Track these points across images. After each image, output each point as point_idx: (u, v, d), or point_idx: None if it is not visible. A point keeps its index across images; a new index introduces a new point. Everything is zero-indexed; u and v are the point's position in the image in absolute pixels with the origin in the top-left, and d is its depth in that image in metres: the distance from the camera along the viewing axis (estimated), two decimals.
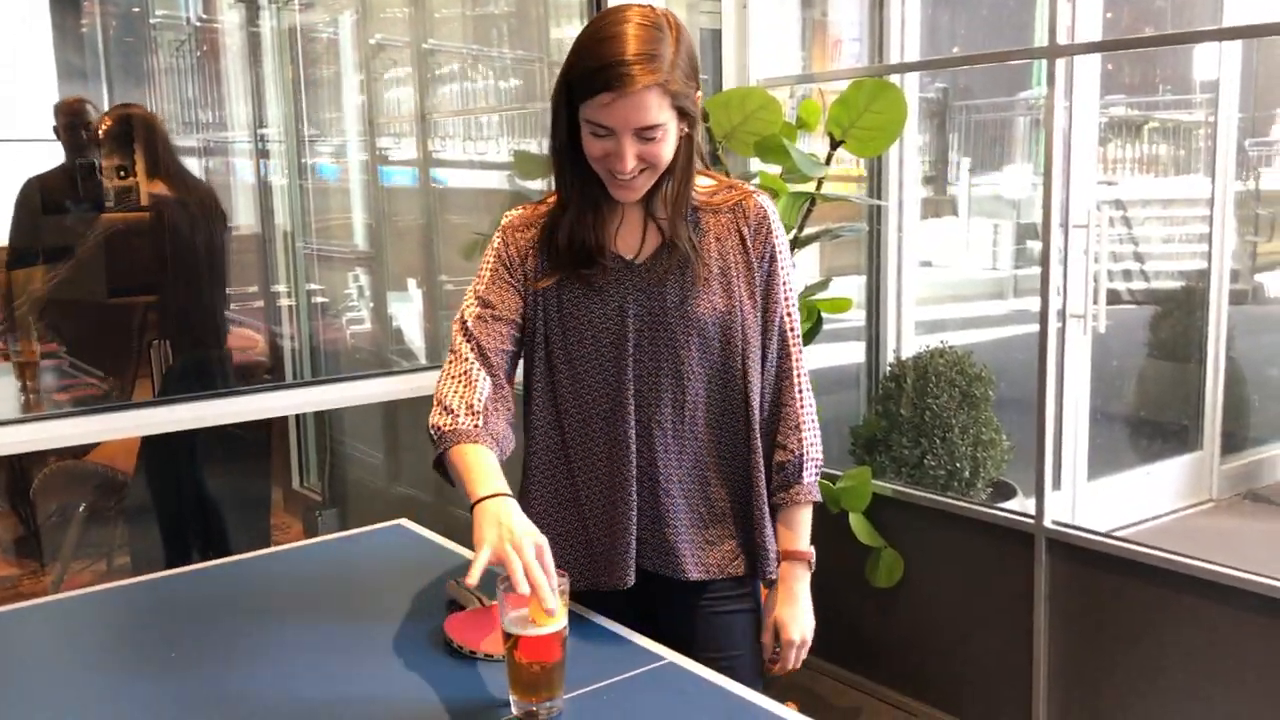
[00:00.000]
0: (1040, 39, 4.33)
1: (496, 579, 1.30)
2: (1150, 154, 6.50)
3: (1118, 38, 3.94)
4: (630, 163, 1.49)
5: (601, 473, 1.63)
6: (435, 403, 1.55)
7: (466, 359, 1.57)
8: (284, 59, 3.88)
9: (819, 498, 1.70)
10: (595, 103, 1.48)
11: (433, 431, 1.53)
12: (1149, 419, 4.94)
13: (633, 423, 1.60)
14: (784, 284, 1.65)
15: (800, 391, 1.67)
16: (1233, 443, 4.67)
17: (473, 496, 1.40)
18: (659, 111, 1.48)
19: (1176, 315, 4.78)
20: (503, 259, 1.64)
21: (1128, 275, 5.27)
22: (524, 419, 1.68)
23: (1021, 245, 6.36)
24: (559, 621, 1.27)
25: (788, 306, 1.66)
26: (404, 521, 2.06)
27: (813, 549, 1.70)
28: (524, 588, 1.25)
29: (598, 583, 1.64)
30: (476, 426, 1.51)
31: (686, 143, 1.57)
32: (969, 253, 6.78)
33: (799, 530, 1.68)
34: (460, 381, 1.56)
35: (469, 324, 1.59)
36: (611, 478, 1.62)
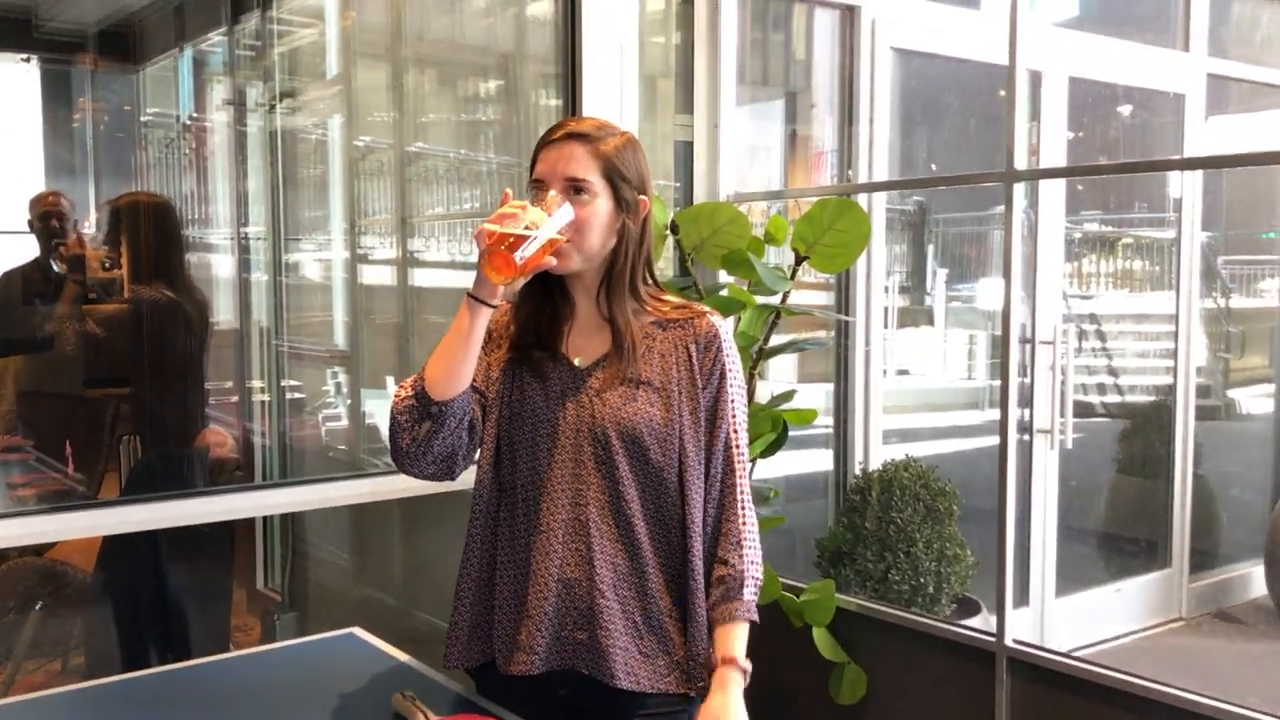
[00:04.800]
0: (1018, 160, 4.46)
1: None
2: (1124, 269, 6.62)
3: (1074, 164, 4.05)
4: None
5: (519, 558, 1.66)
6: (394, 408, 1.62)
7: None
8: (269, 158, 3.94)
9: (755, 617, 1.68)
10: (536, 161, 1.64)
11: (413, 402, 1.60)
12: (1118, 534, 4.94)
13: (563, 520, 1.62)
14: (731, 402, 1.69)
15: (742, 508, 1.69)
16: (1202, 560, 4.68)
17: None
18: (586, 169, 1.61)
19: (1146, 430, 4.82)
20: None
21: (1101, 389, 5.32)
22: (471, 494, 1.73)
23: (997, 357, 6.43)
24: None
25: (734, 424, 1.69)
26: (356, 630, 2.05)
27: (749, 664, 1.68)
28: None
29: (499, 662, 1.66)
30: None
31: (627, 238, 1.65)
32: (945, 363, 6.85)
33: (736, 643, 1.66)
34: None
35: None
36: (529, 566, 1.64)
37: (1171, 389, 4.65)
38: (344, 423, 4.23)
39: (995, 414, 5.91)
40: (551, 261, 1.56)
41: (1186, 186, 4.64)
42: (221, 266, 4.01)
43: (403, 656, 1.90)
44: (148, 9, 3.82)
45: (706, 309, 1.73)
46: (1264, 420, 5.66)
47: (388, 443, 1.64)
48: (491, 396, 1.69)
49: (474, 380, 1.67)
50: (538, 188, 1.62)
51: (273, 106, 3.96)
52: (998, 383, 6.35)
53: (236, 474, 3.65)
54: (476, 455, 1.71)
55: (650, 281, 1.74)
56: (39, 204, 3.12)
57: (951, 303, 6.75)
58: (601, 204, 1.62)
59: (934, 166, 5.12)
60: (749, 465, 1.72)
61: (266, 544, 4.04)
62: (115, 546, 3.16)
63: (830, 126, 3.90)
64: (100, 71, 3.66)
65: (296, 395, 4.08)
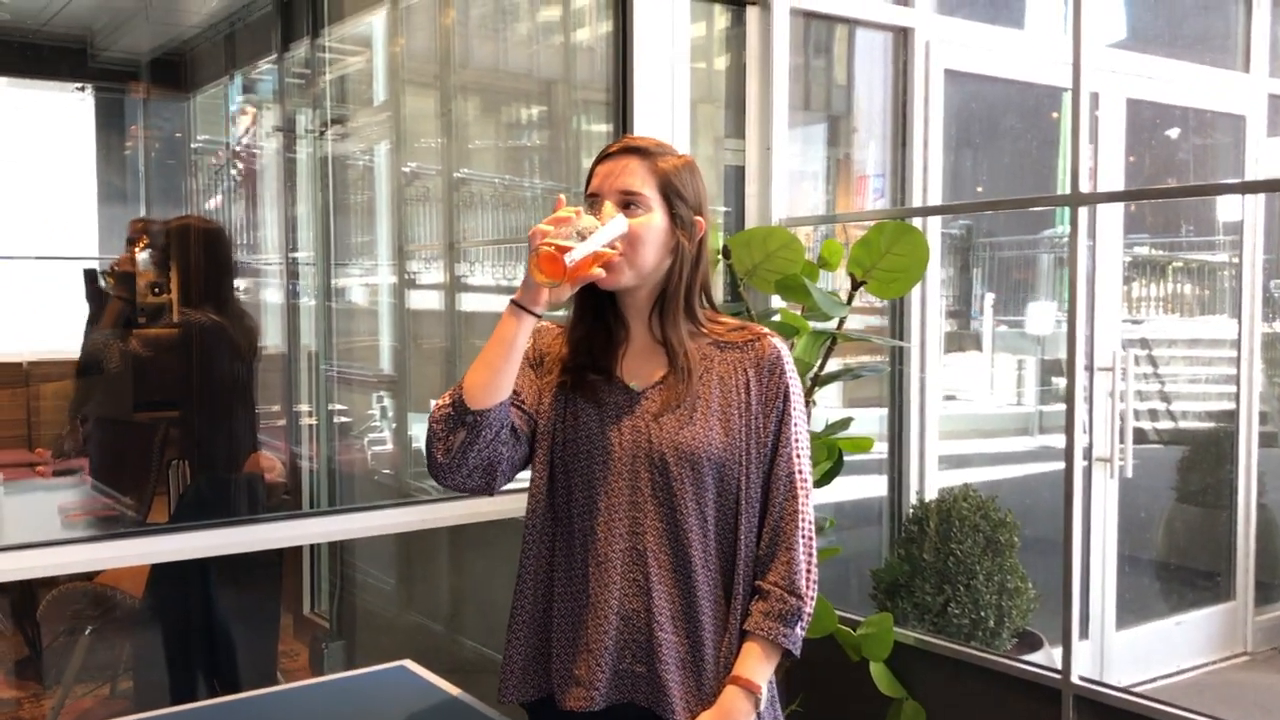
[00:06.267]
0: (1063, 183, 4.40)
1: None
2: (1175, 294, 6.51)
3: (1140, 188, 3.97)
4: None
5: (577, 590, 1.61)
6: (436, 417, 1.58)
7: None
8: (318, 184, 3.96)
9: (798, 652, 1.62)
10: (592, 176, 1.62)
11: (449, 411, 1.56)
12: (1179, 565, 4.82)
13: (621, 549, 1.58)
14: (795, 426, 1.64)
15: (805, 537, 1.63)
16: (1267, 593, 4.54)
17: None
18: (643, 183, 1.59)
19: (1205, 458, 4.70)
20: (529, 356, 1.70)
21: (1154, 415, 5.21)
22: (524, 524, 1.69)
23: (1046, 383, 6.33)
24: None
25: (796, 449, 1.64)
26: (407, 663, 2.01)
27: (763, 694, 1.59)
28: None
29: (557, 697, 1.62)
30: None
31: (682, 258, 1.62)
32: (993, 388, 6.75)
33: (760, 666, 1.59)
34: None
35: None
36: (588, 598, 1.59)
37: (1231, 415, 4.54)
38: (390, 447, 4.22)
39: (1045, 440, 5.84)
40: (601, 273, 1.53)
41: (1248, 209, 4.54)
42: (270, 291, 4.03)
43: (455, 691, 1.87)
44: (198, 38, 3.86)
45: (766, 330, 1.68)
46: None
47: (424, 453, 1.60)
48: (544, 422, 1.65)
49: (525, 403, 1.65)
50: (593, 201, 1.59)
51: (322, 133, 3.98)
52: (1047, 408, 6.25)
53: (285, 498, 3.65)
54: (519, 473, 1.67)
55: (707, 304, 1.70)
56: (129, 229, 3.15)
57: (999, 327, 6.67)
58: (656, 219, 1.59)
59: (979, 189, 5.06)
60: (811, 493, 1.66)
61: (314, 569, 4.03)
62: (164, 572, 3.16)
63: (873, 150, 3.86)
64: (152, 99, 3.70)
65: (344, 420, 4.08)
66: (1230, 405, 4.62)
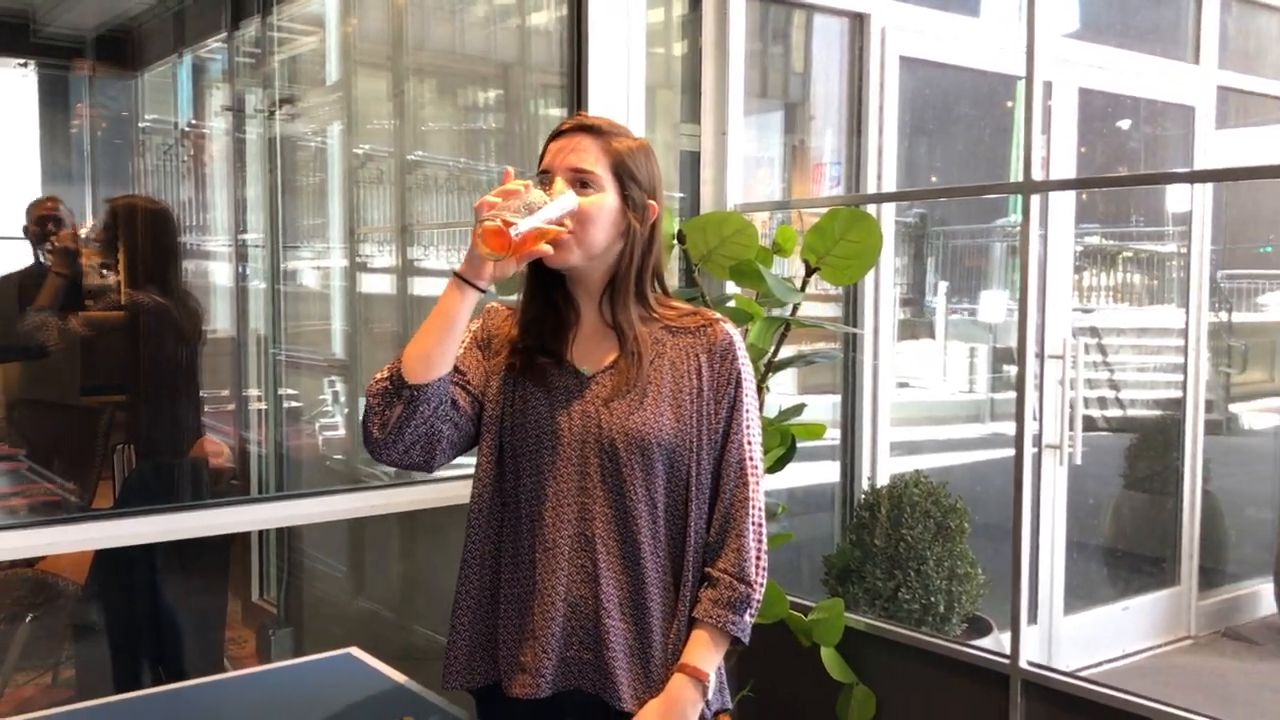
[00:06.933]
0: (1015, 173, 4.43)
1: None
2: (1124, 283, 6.60)
3: (1092, 175, 4.01)
4: None
5: (523, 575, 1.59)
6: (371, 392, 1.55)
7: None
8: (268, 165, 3.90)
9: (747, 640, 1.60)
10: (544, 153, 1.60)
11: (387, 384, 1.53)
12: (1126, 551, 4.89)
13: (569, 535, 1.56)
14: (746, 412, 1.63)
15: (755, 524, 1.61)
16: (1210, 578, 4.62)
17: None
18: (595, 162, 1.57)
19: (1152, 446, 4.77)
20: (478, 337, 1.68)
21: (1103, 403, 5.28)
22: (468, 509, 1.66)
23: (998, 370, 6.40)
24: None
25: (747, 436, 1.63)
26: (353, 650, 1.99)
27: (710, 683, 1.58)
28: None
29: (504, 684, 1.60)
30: None
31: (634, 240, 1.60)
32: (945, 376, 6.81)
33: (709, 654, 1.58)
34: None
35: None
36: (534, 584, 1.57)
37: (1178, 403, 4.61)
38: (341, 432, 4.18)
39: (996, 426, 5.90)
40: (548, 250, 1.50)
41: (1196, 200, 4.60)
42: (219, 274, 3.96)
43: (401, 678, 1.85)
44: (146, 14, 3.78)
45: (718, 316, 1.67)
46: (1266, 435, 5.62)
47: (361, 428, 1.56)
48: (492, 406, 1.63)
49: (470, 383, 1.62)
50: (543, 177, 1.57)
51: (272, 113, 3.92)
52: (999, 395, 6.31)
53: (233, 484, 3.60)
54: (462, 453, 1.64)
55: (659, 289, 1.69)
56: (36, 209, 3.08)
57: (952, 315, 6.72)
58: (608, 199, 1.57)
59: (934, 178, 5.08)
60: (762, 480, 1.65)
61: (262, 554, 3.98)
62: (108, 558, 3.10)
63: (830, 138, 3.86)
64: (98, 77, 3.62)
65: (294, 404, 4.02)
66: (1175, 393, 4.69)
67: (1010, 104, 4.66)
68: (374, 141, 4.17)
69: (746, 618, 1.59)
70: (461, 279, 1.49)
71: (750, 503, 1.61)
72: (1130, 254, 6.55)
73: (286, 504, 2.89)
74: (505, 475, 1.62)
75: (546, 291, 1.64)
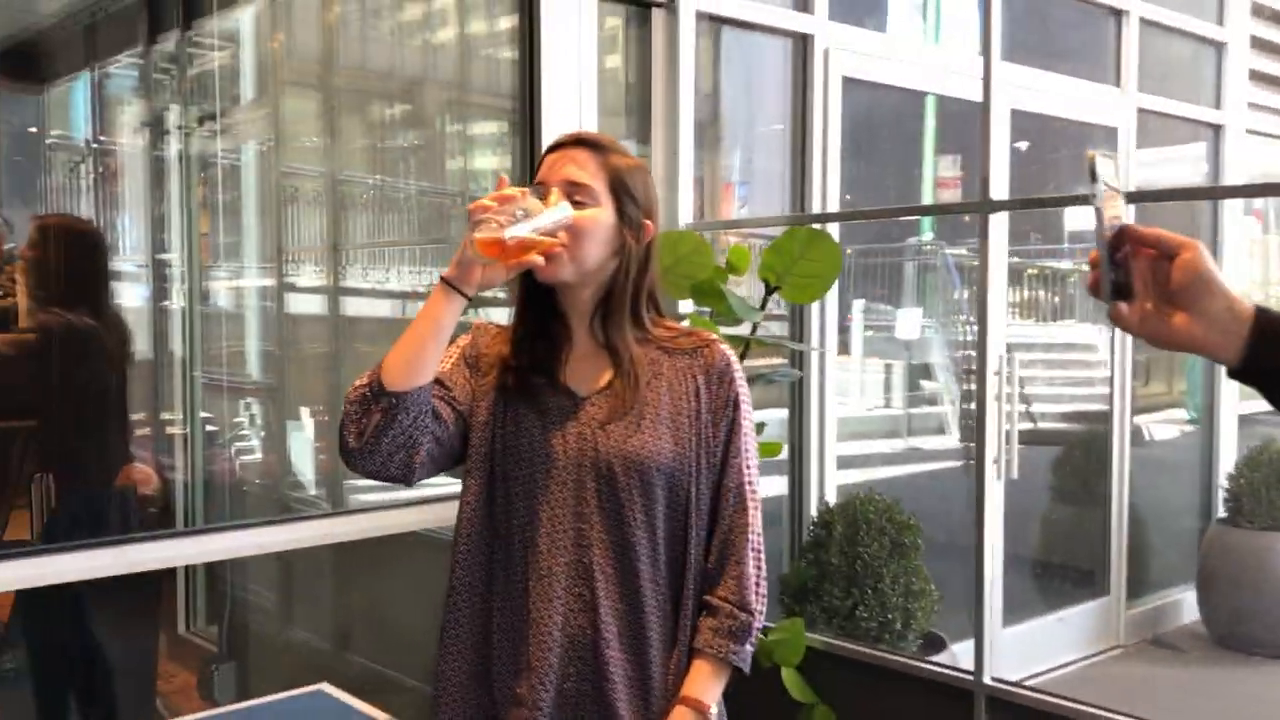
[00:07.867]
0: (926, 193, 4.54)
1: None
2: (1029, 299, 6.78)
3: (1040, 195, 4.11)
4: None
5: (516, 605, 1.53)
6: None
7: None
8: (189, 183, 3.77)
9: (748, 668, 1.58)
10: (540, 165, 1.58)
11: (365, 391, 1.46)
12: (1059, 564, 4.99)
13: (565, 563, 1.51)
14: (745, 435, 1.60)
15: (754, 550, 1.58)
16: (1136, 588, 4.74)
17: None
18: (592, 176, 1.53)
19: (1077, 458, 4.89)
20: (467, 354, 1.62)
21: (1029, 418, 5.40)
22: (454, 536, 1.59)
23: (914, 387, 6.51)
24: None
25: (746, 459, 1.60)
26: (325, 686, 1.91)
27: (712, 711, 1.55)
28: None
29: (500, 718, 1.55)
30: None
31: (628, 259, 1.56)
32: (863, 392, 6.91)
33: (711, 686, 1.54)
34: None
35: None
36: (528, 614, 1.52)
37: (1103, 416, 4.72)
38: (259, 457, 4.04)
39: (915, 441, 5.97)
40: (540, 261, 1.45)
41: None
42: (134, 294, 3.82)
43: (381, 715, 1.77)
44: (55, 28, 3.64)
45: (714, 337, 1.64)
46: (1168, 446, 5.80)
47: (337, 436, 1.49)
48: (481, 427, 1.57)
49: (456, 398, 1.56)
50: (539, 189, 1.52)
51: (192, 130, 3.79)
52: (916, 411, 6.38)
53: (150, 512, 3.45)
54: (443, 469, 1.58)
55: (654, 311, 1.65)
56: None
57: (868, 332, 6.82)
58: (603, 215, 1.54)
59: (848, 196, 5.15)
60: (760, 503, 1.62)
61: (189, 584, 3.82)
62: (29, 596, 2.94)
63: (738, 158, 3.89)
64: (1, 92, 3.46)
65: (212, 429, 3.89)
66: (1090, 406, 4.81)
67: (923, 122, 4.74)
68: (303, 160, 4.06)
69: (748, 647, 1.56)
70: (448, 284, 1.44)
71: (750, 528, 1.58)
72: (1035, 271, 6.73)
73: (224, 536, 2.76)
74: (495, 500, 1.56)
75: (536, 311, 1.60)
